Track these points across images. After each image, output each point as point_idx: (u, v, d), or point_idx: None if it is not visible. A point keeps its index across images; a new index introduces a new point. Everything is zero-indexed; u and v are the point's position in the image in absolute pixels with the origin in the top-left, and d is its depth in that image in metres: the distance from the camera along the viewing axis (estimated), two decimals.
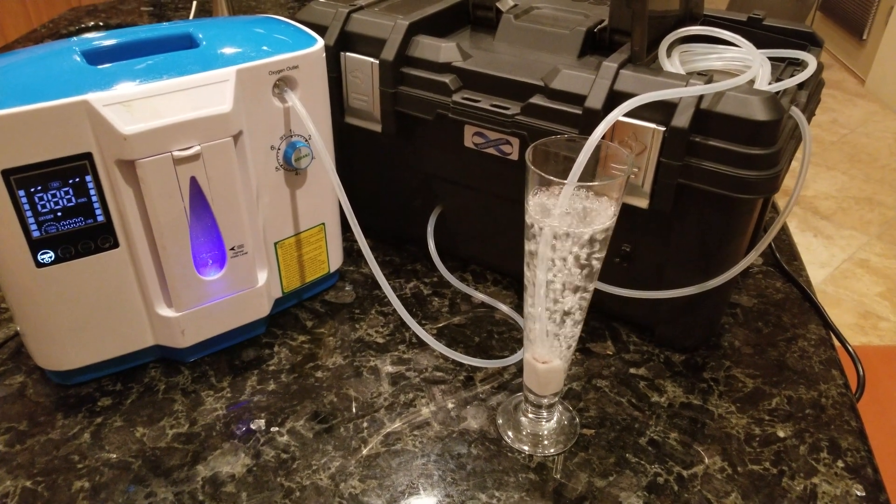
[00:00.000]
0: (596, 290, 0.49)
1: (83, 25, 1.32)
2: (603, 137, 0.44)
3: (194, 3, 1.23)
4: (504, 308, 0.67)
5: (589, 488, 0.51)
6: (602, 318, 0.66)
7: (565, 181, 0.42)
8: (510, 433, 0.55)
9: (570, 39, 0.62)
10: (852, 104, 3.24)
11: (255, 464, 0.52)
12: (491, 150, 0.62)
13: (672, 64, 0.59)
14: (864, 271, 2.18)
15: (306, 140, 0.59)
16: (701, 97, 0.51)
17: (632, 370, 0.61)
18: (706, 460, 0.53)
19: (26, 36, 1.28)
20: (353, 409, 0.57)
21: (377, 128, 0.67)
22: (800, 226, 2.40)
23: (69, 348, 0.55)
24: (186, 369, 0.60)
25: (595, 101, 0.53)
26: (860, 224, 2.40)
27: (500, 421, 0.56)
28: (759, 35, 0.64)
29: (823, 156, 2.82)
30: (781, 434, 0.55)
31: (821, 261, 2.23)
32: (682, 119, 0.51)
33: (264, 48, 0.55)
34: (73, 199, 0.50)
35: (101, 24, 1.34)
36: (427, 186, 0.70)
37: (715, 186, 0.52)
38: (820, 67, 0.61)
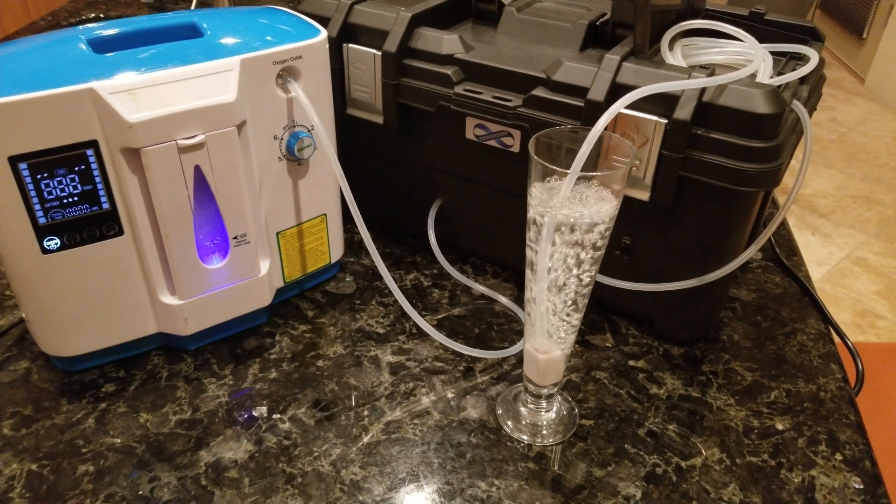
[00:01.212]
0: (596, 283, 0.50)
1: (83, 17, 1.32)
2: (605, 129, 0.45)
3: None
4: (504, 300, 0.67)
5: (588, 478, 0.51)
6: (601, 310, 0.67)
7: (568, 171, 0.43)
8: (510, 423, 0.55)
9: (573, 33, 0.63)
10: (851, 103, 3.25)
11: (257, 450, 0.52)
12: (492, 143, 0.62)
13: (674, 57, 0.60)
14: (861, 270, 2.19)
15: (309, 130, 0.59)
16: (703, 90, 0.51)
17: (631, 362, 0.61)
18: (704, 452, 0.53)
19: (26, 28, 1.28)
20: (354, 398, 0.57)
21: (379, 120, 0.67)
22: (798, 224, 2.41)
23: (73, 335, 0.55)
24: (189, 357, 0.61)
25: (597, 93, 0.54)
26: (858, 223, 2.41)
27: (499, 411, 0.56)
28: (761, 30, 0.64)
29: (822, 154, 2.83)
30: (780, 427, 0.56)
31: (818, 259, 2.24)
32: (684, 112, 0.51)
33: (268, 38, 0.55)
34: (79, 186, 0.50)
35: (100, 15, 1.34)
36: (428, 179, 0.70)
37: (716, 179, 0.52)
38: (821, 62, 0.61)
